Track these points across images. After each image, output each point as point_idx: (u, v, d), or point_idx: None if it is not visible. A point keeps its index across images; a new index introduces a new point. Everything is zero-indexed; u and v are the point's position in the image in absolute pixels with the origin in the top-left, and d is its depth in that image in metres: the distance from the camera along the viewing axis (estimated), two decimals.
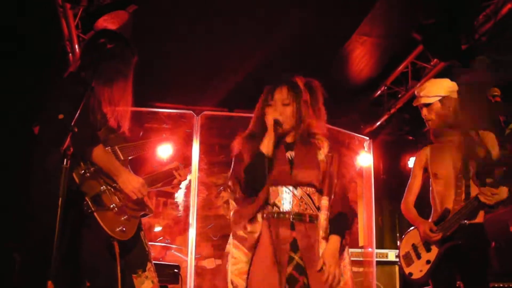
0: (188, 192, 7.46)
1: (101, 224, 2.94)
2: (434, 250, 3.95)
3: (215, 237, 7.82)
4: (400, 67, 7.67)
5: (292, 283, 3.01)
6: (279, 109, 3.22)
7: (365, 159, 8.46)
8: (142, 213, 3.31)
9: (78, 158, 2.95)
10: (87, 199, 2.94)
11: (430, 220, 4.05)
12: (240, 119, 8.19)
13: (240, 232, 3.13)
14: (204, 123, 7.78)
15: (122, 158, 3.27)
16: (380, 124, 8.77)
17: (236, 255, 3.10)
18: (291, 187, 3.16)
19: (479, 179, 3.89)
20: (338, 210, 3.18)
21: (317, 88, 3.34)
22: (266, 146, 3.11)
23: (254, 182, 3.12)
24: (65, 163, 2.56)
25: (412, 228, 4.22)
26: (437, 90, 4.08)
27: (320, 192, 3.23)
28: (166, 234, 7.80)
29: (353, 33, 6.66)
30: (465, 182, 3.90)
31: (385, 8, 6.15)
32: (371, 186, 8.31)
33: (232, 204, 3.24)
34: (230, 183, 3.30)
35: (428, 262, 3.96)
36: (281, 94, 3.24)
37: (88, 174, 3.01)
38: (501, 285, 4.77)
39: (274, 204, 3.16)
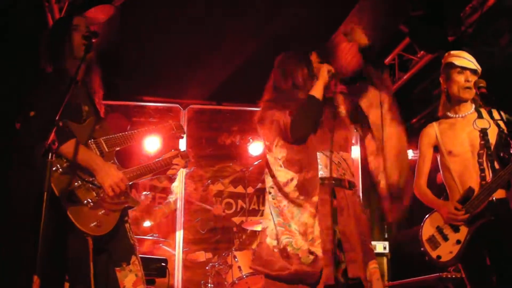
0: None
1: (72, 220, 2.88)
2: (464, 229, 3.70)
3: (203, 231, 7.81)
4: (387, 60, 7.68)
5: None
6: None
7: (352, 150, 8.42)
8: (125, 206, 3.22)
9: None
10: (59, 196, 2.88)
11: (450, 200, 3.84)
12: (228, 112, 8.20)
13: None
14: (192, 116, 7.77)
15: (106, 150, 3.20)
16: None
17: None
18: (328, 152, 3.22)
19: (497, 156, 3.69)
20: None
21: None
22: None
23: None
24: (50, 157, 2.53)
25: (431, 212, 3.93)
26: (477, 64, 3.89)
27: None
28: (154, 229, 7.78)
29: (340, 25, 6.65)
30: (488, 158, 3.69)
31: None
32: (359, 178, 8.31)
33: None
34: None
35: (458, 242, 3.70)
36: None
37: (60, 170, 2.95)
38: None
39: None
